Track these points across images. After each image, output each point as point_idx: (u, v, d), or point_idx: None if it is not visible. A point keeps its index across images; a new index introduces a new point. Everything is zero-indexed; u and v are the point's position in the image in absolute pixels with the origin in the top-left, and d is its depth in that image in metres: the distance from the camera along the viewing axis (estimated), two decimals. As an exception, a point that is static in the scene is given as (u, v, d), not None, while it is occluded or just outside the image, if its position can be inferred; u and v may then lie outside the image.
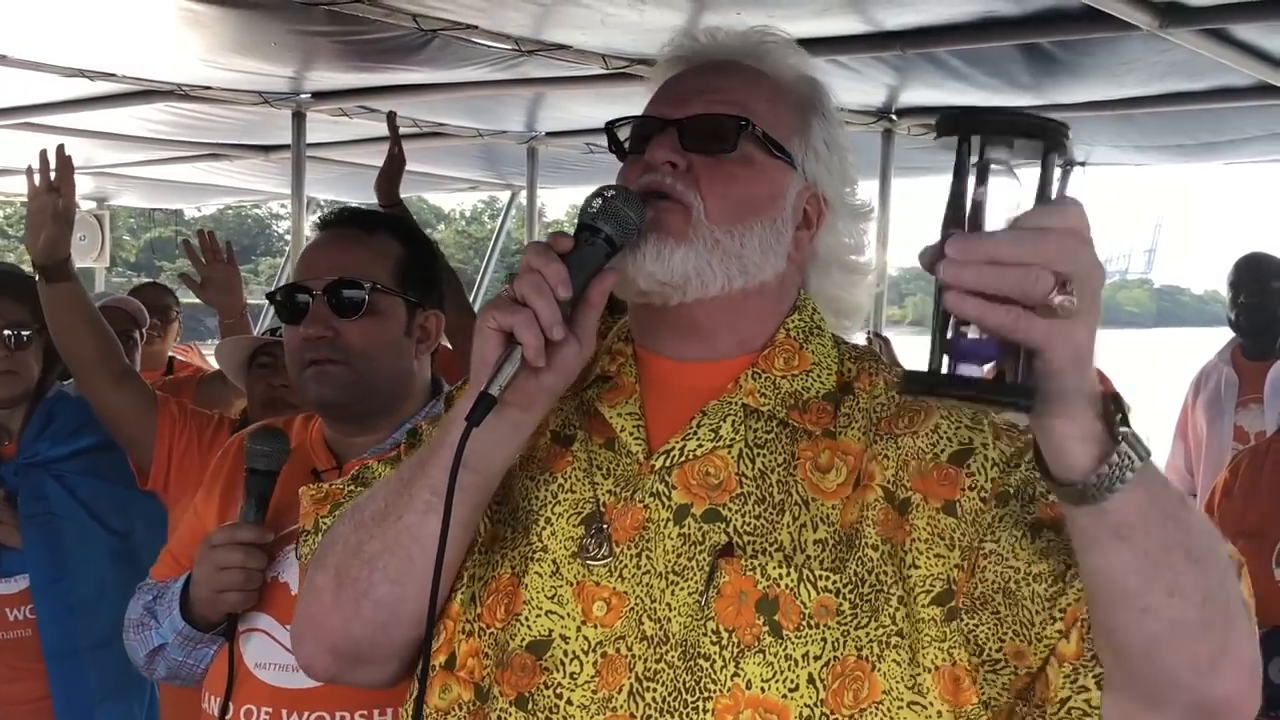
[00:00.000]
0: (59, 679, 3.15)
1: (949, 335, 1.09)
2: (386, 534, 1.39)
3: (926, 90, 5.75)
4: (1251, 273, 5.09)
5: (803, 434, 1.43)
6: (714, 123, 1.45)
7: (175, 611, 2.21)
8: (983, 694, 1.33)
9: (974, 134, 1.10)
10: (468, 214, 41.99)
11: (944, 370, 1.09)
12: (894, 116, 6.36)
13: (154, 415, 2.98)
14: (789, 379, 1.47)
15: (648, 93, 1.55)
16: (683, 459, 1.42)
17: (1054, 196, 1.10)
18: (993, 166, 1.11)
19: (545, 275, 1.30)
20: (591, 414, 1.49)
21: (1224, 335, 5.36)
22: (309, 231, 2.35)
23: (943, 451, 1.39)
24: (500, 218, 10.57)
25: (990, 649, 1.32)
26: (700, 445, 1.42)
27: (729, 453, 1.42)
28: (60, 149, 2.87)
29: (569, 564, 1.41)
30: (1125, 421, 1.11)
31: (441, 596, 1.40)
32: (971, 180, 1.11)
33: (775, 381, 1.46)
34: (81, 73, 5.39)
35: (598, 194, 1.37)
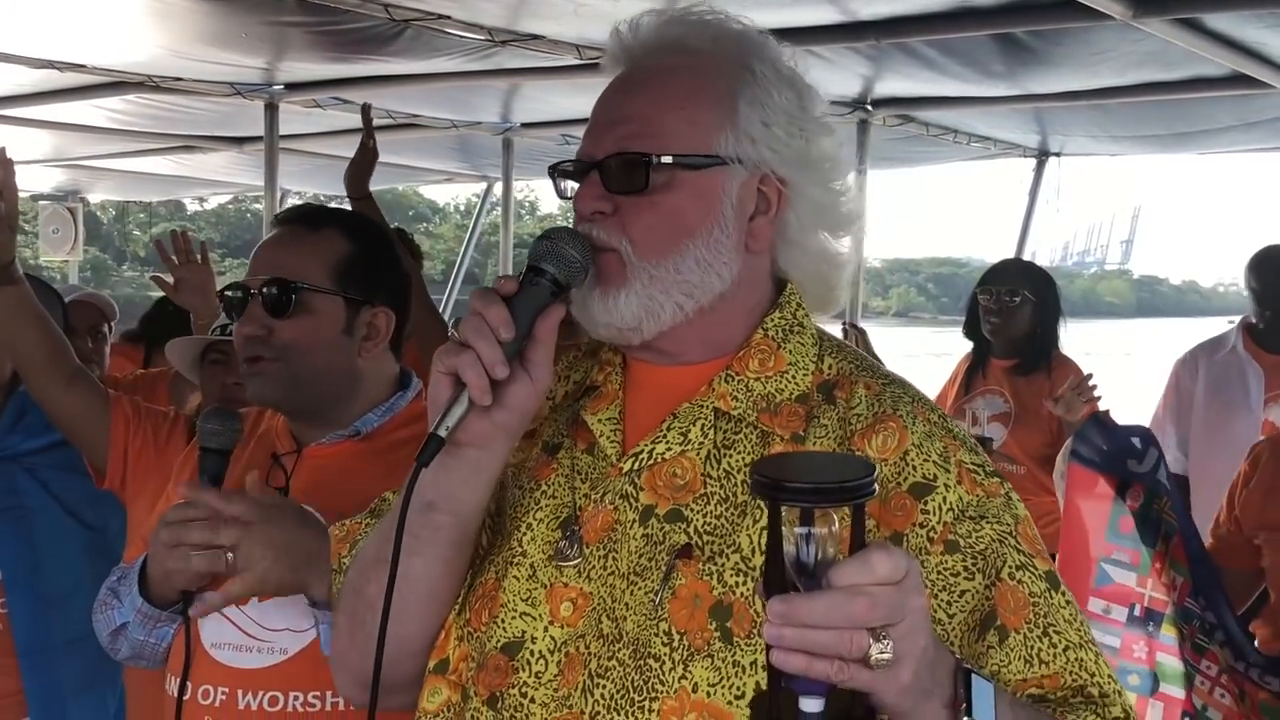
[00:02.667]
0: (32, 674, 3.13)
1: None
2: (380, 577, 1.40)
3: (901, 80, 5.75)
4: (1267, 281, 4.96)
5: (774, 438, 1.43)
6: (625, 163, 1.45)
7: (134, 589, 2.20)
8: None
9: (783, 503, 1.13)
10: (463, 207, 42.04)
11: (783, 695, 1.15)
12: (869, 107, 6.36)
13: (107, 415, 2.93)
14: (763, 381, 1.46)
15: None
16: (651, 461, 1.44)
17: (865, 543, 1.13)
18: (813, 529, 1.14)
19: (486, 317, 1.34)
20: (578, 423, 1.52)
21: (1202, 325, 5.33)
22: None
23: (905, 480, 1.40)
24: (477, 210, 10.53)
25: None
26: (669, 448, 1.44)
27: (697, 455, 1.43)
28: (1, 151, 2.81)
29: (545, 567, 1.44)
30: (974, 701, 1.20)
31: (423, 628, 1.48)
32: (799, 535, 1.15)
33: (748, 384, 1.46)
34: (50, 64, 5.36)
35: (544, 236, 1.42)
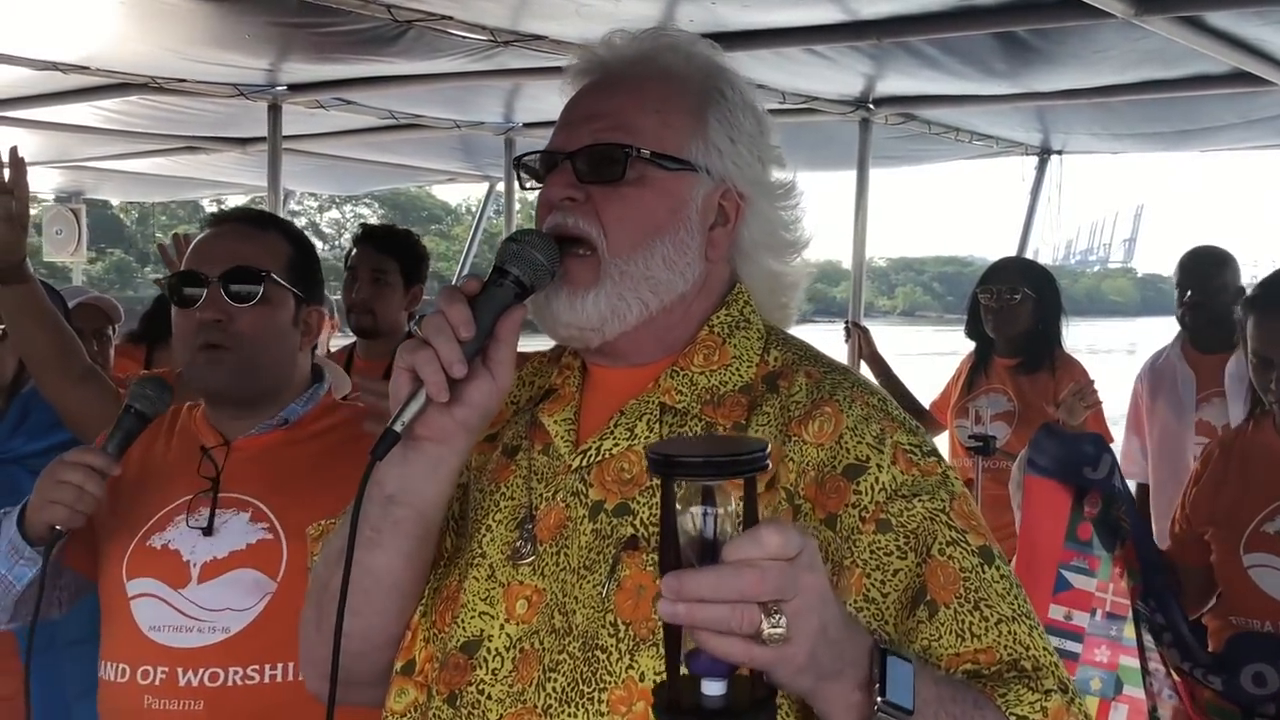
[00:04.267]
0: (34, 676, 3.11)
1: (688, 651, 1.16)
2: (343, 570, 1.42)
3: (903, 79, 5.75)
4: (1194, 270, 5.07)
5: (718, 428, 1.47)
6: (602, 153, 1.49)
7: (14, 517, 2.27)
8: None
9: (678, 477, 1.15)
10: (473, 209, 42.11)
11: (686, 673, 1.17)
12: (871, 106, 6.36)
13: (117, 412, 2.96)
14: (706, 375, 1.51)
15: (561, 101, 1.59)
16: (599, 458, 1.48)
17: (760, 517, 1.15)
18: (708, 508, 1.17)
19: (448, 316, 1.36)
20: (536, 424, 1.56)
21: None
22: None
23: (839, 463, 1.42)
24: (479, 210, 10.53)
25: None
26: (616, 444, 1.48)
27: (644, 449, 1.46)
28: (13, 150, 2.83)
29: (503, 566, 1.48)
30: (892, 681, 1.20)
31: (387, 622, 1.51)
32: (694, 513, 1.17)
33: (692, 378, 1.51)
34: (54, 66, 5.36)
35: (511, 238, 1.44)
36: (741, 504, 1.16)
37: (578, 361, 1.59)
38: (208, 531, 2.26)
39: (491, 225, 10.82)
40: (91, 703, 3.18)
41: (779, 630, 1.11)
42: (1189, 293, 5.03)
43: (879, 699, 1.19)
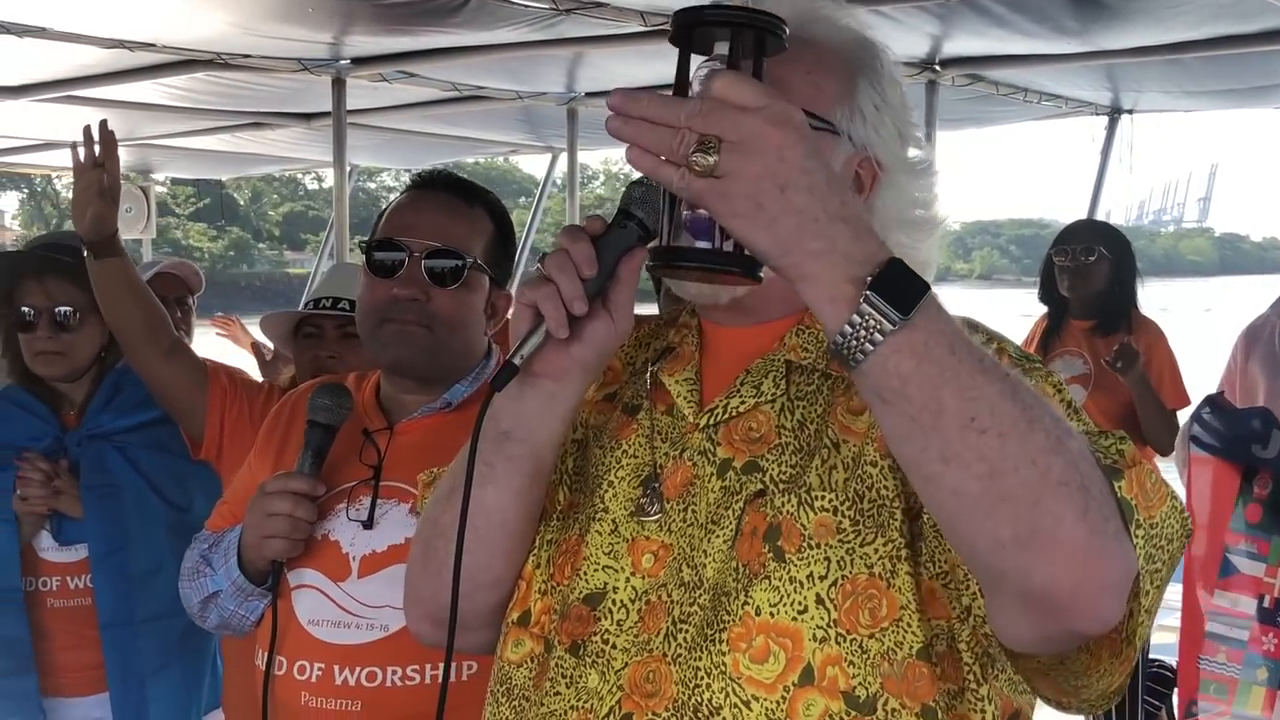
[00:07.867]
0: (113, 649, 3.18)
1: (679, 211, 1.26)
2: (455, 506, 1.43)
3: (971, 39, 5.67)
4: None
5: (840, 382, 1.46)
6: None
7: (232, 559, 2.23)
8: (954, 609, 1.35)
9: (695, 26, 1.23)
10: (558, 180, 42.63)
11: (676, 244, 1.27)
12: (938, 67, 6.28)
13: (205, 386, 3.02)
14: None
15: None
16: (726, 416, 1.47)
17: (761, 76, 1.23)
18: (707, 64, 1.27)
19: (571, 253, 1.36)
20: (657, 385, 1.56)
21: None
22: (398, 195, 2.30)
23: None
24: (543, 180, 10.53)
25: (939, 562, 1.35)
26: (743, 402, 1.48)
27: (771, 408, 1.46)
28: (103, 124, 2.87)
29: (627, 523, 1.48)
30: (892, 285, 1.15)
31: (492, 562, 1.50)
32: (699, 75, 1.26)
33: (818, 336, 1.49)
34: (122, 44, 5.41)
35: (636, 182, 1.41)
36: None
37: (695, 320, 1.59)
38: (368, 525, 2.20)
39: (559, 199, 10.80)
40: (166, 676, 3.25)
41: (707, 161, 1.14)
42: None
43: (867, 292, 1.15)
